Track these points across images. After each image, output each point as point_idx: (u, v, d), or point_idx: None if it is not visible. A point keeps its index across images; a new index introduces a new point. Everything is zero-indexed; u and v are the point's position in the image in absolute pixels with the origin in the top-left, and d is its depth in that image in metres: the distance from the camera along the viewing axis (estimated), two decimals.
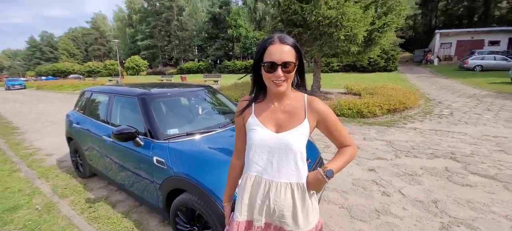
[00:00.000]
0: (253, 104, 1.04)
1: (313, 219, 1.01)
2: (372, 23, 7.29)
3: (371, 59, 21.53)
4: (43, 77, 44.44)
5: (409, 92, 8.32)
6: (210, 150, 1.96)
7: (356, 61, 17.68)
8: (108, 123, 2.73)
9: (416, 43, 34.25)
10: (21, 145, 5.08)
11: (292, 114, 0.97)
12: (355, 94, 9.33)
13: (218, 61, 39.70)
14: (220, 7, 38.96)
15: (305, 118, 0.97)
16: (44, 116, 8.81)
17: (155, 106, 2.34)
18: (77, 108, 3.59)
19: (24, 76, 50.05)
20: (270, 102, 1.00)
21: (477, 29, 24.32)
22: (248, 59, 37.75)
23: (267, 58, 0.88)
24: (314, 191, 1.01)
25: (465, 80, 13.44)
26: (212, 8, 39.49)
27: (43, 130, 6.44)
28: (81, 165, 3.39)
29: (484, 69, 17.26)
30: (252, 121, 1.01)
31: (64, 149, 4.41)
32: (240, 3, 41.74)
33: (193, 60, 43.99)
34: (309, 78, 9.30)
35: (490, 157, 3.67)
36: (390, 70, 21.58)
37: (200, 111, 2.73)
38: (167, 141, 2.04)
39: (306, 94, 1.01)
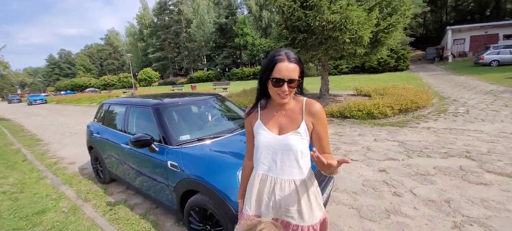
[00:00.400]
0: (259, 110, 1.15)
1: (318, 214, 1.09)
2: (377, 25, 7.27)
3: (381, 60, 21.21)
4: (62, 92, 46.81)
5: (421, 91, 8.14)
6: (219, 153, 2.06)
7: (365, 62, 17.49)
8: (125, 132, 2.92)
9: (427, 40, 33.34)
10: (45, 154, 5.42)
11: (292, 117, 1.08)
12: (365, 95, 9.22)
13: (226, 69, 40.35)
14: (227, 17, 39.88)
15: (302, 119, 1.06)
16: (64, 127, 9.31)
17: (168, 115, 2.50)
18: (96, 120, 3.83)
19: (44, 92, 52.77)
20: (274, 109, 1.12)
21: (490, 23, 23.46)
22: (256, 66, 38.11)
23: (275, 74, 0.97)
24: (318, 187, 1.10)
25: (481, 76, 12.95)
26: (218, 19, 40.47)
27: (64, 141, 6.82)
28: (101, 172, 3.59)
29: (501, 64, 16.56)
30: (258, 125, 1.12)
31: (84, 158, 4.67)
32: (245, 12, 42.52)
33: (202, 70, 44.94)
34: (317, 81, 9.34)
35: (507, 155, 3.55)
36: (402, 70, 21.10)
37: (209, 118, 2.86)
38: (180, 146, 2.17)
39: (305, 98, 1.11)
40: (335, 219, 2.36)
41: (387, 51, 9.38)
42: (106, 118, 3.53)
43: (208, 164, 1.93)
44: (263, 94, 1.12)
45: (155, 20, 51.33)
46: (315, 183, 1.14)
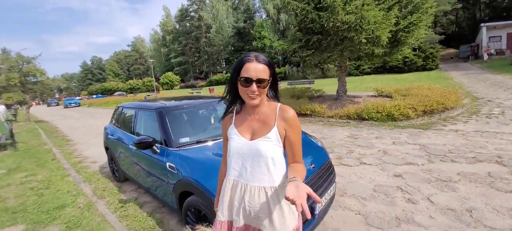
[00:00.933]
0: (234, 115, 1.14)
1: (291, 223, 1.03)
2: (397, 24, 6.87)
3: (407, 59, 20.00)
4: (94, 96, 50.57)
5: (449, 92, 7.52)
6: (214, 156, 2.06)
7: (386, 62, 16.59)
8: (134, 133, 3.05)
9: (460, 38, 30.83)
10: (72, 154, 5.86)
11: (264, 122, 1.04)
12: (386, 96, 8.74)
13: None
14: (245, 21, 40.47)
15: (274, 125, 1.02)
16: (92, 129, 10.02)
17: (171, 118, 2.56)
18: (113, 122, 4.06)
19: (78, 96, 57.35)
20: (247, 113, 1.09)
21: None
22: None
23: (243, 73, 0.97)
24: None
25: None
26: (237, 23, 41.20)
27: (90, 141, 7.33)
28: (116, 171, 3.79)
29: None
30: (231, 130, 1.11)
31: (105, 157, 4.95)
32: (264, 16, 42.67)
33: (221, 73, 45.89)
34: (334, 83, 9.03)
35: None
36: (430, 69, 19.68)
37: (212, 121, 2.88)
38: (178, 149, 2.21)
39: (279, 104, 1.07)
40: (339, 225, 2.24)
41: (408, 50, 8.81)
42: (120, 120, 3.72)
43: (202, 167, 1.94)
44: (235, 98, 1.10)
45: (177, 26, 53.67)
46: None
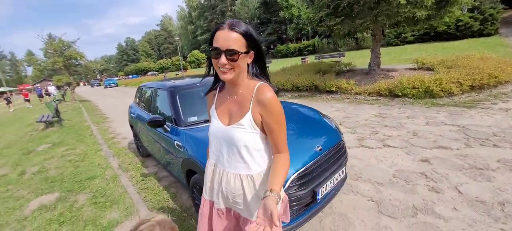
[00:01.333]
0: (217, 92, 1.05)
1: None
2: None
3: (460, 23, 17.03)
4: (130, 76, 54.40)
5: (505, 62, 6.35)
6: None
7: (431, 28, 14.48)
8: (151, 112, 3.19)
9: None
10: (107, 131, 6.47)
11: (240, 105, 0.94)
12: (428, 69, 7.75)
13: (271, 47, 39.64)
14: None
15: (249, 109, 0.91)
16: (126, 107, 10.83)
17: (181, 97, 2.59)
18: (136, 101, 4.29)
19: (116, 76, 62.11)
20: (227, 93, 1.00)
21: None
22: (303, 41, 36.08)
23: (214, 43, 0.85)
24: None
25: None
26: None
27: (124, 119, 7.96)
28: (140, 147, 4.09)
29: None
30: (212, 111, 1.04)
31: None
32: None
33: None
34: (369, 55, 8.20)
35: None
36: (488, 35, 16.52)
37: None
38: (186, 128, 2.24)
39: (259, 83, 0.92)
40: (348, 211, 2.12)
41: (459, 11, 7.45)
42: (141, 99, 3.91)
43: (205, 146, 1.93)
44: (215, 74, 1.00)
45: (202, 1, 53.24)
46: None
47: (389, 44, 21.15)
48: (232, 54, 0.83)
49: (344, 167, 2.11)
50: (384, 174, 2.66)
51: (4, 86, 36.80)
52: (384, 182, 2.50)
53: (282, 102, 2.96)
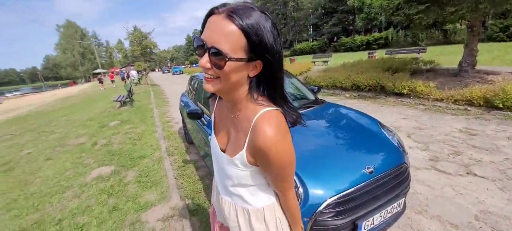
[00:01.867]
0: (217, 99, 0.86)
1: None
2: None
3: None
4: (194, 65, 60.17)
5: None
6: None
7: None
8: (195, 102, 3.26)
9: None
10: (165, 114, 7.16)
11: (238, 133, 0.70)
12: None
13: (334, 39, 37.02)
14: None
15: (243, 147, 0.66)
16: None
17: None
18: (188, 89, 4.51)
19: (183, 64, 69.68)
20: (226, 105, 0.76)
21: None
22: (372, 33, 32.18)
23: (203, 34, 0.59)
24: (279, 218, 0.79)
25: None
26: None
27: None
28: (187, 134, 4.30)
29: None
30: (211, 122, 0.90)
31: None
32: None
33: (307, 41, 43.54)
34: (459, 51, 6.42)
35: None
36: None
37: None
38: None
39: (262, 111, 0.62)
40: None
41: None
42: (190, 89, 4.07)
43: None
44: None
45: None
46: (274, 216, 0.78)
47: (490, 39, 16.64)
48: (217, 55, 0.55)
49: (404, 198, 1.62)
50: (462, 213, 1.97)
51: (99, 69, 46.36)
52: (461, 225, 1.84)
53: (330, 104, 2.56)
